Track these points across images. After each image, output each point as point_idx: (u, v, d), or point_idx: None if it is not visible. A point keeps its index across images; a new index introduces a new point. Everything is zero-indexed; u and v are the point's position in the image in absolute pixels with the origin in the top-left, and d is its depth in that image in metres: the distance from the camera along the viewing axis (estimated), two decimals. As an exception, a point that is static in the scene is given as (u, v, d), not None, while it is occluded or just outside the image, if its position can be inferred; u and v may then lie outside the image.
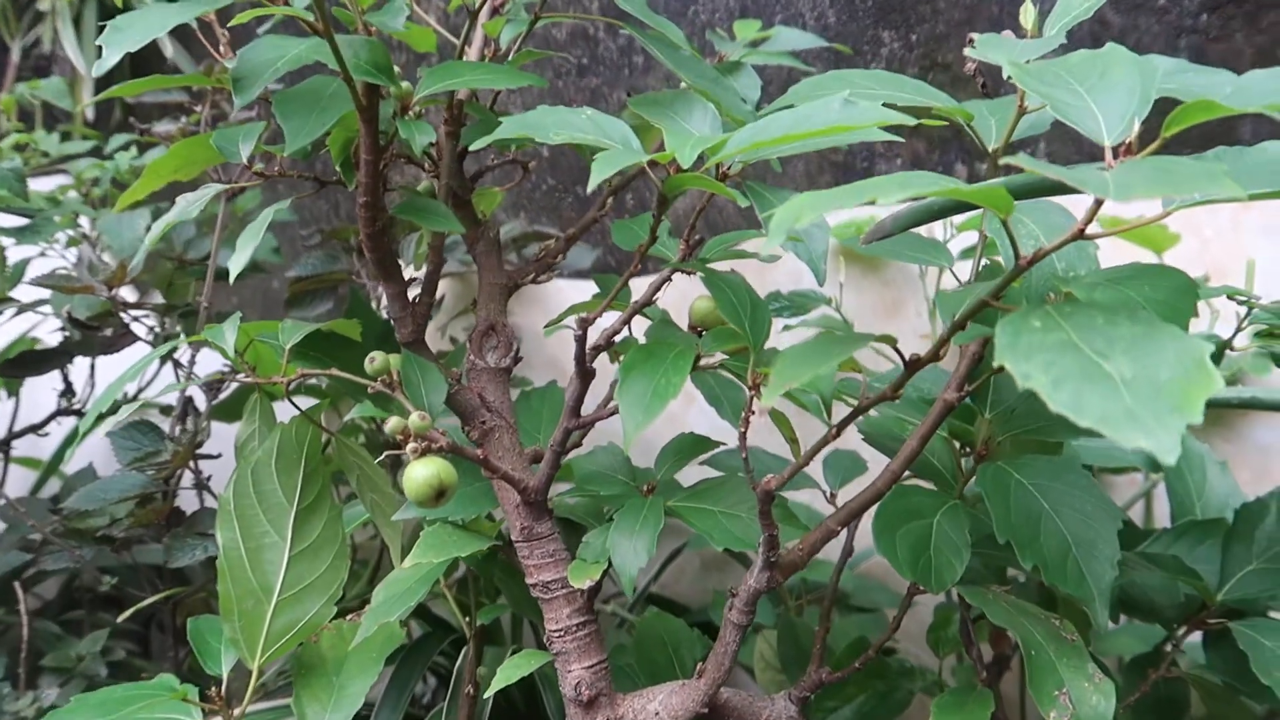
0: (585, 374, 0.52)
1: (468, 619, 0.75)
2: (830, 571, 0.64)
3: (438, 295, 1.16)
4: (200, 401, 0.98)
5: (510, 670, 0.57)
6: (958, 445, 0.59)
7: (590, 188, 0.42)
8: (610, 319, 0.57)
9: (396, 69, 0.63)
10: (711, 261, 0.60)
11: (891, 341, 0.46)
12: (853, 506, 0.53)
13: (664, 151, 0.45)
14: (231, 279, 0.51)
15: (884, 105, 0.52)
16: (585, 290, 1.05)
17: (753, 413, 0.48)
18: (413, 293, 0.59)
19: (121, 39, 0.46)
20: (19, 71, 1.46)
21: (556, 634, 0.56)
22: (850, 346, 0.39)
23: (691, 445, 0.59)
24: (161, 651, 0.89)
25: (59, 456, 1.22)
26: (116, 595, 0.88)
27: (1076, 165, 0.37)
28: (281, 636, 0.57)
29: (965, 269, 0.63)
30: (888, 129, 0.44)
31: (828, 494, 0.68)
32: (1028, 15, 0.56)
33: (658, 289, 0.56)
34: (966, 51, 0.56)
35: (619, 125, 0.48)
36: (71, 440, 1.21)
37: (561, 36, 1.17)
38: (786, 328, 1.01)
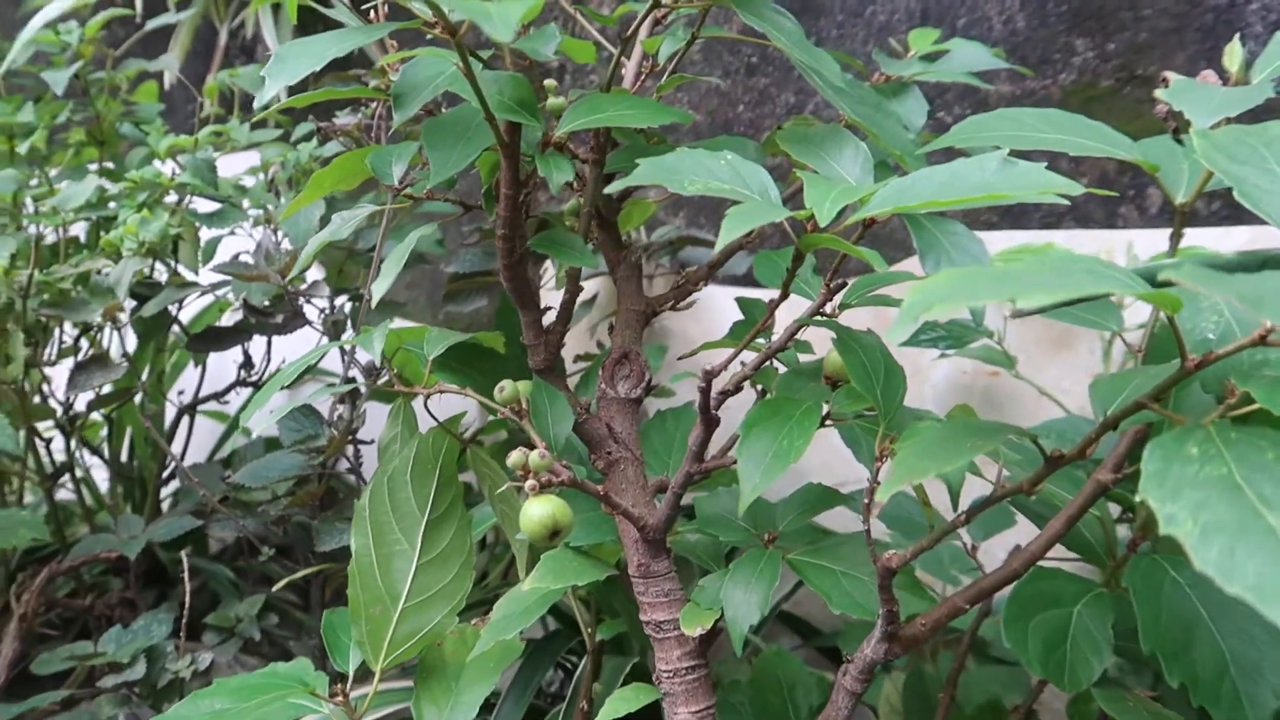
0: (710, 422, 0.51)
1: (590, 630, 0.76)
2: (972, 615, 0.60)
3: (590, 294, 1.17)
4: (360, 382, 1.03)
5: (618, 704, 0.57)
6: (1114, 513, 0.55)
7: (719, 247, 0.40)
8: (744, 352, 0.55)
9: (550, 81, 0.63)
10: (852, 306, 0.58)
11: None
12: (984, 585, 0.50)
13: (802, 209, 0.43)
14: (373, 304, 0.52)
15: (1058, 149, 0.48)
16: (739, 294, 1.03)
17: (878, 483, 0.46)
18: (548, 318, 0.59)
19: (283, 71, 0.48)
20: (226, 53, 1.56)
21: (666, 674, 0.56)
22: (986, 441, 0.36)
23: (818, 497, 0.57)
24: (314, 613, 0.95)
25: (238, 418, 1.32)
26: (274, 564, 0.95)
27: None
28: (405, 643, 0.59)
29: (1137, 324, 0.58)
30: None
31: (969, 546, 0.65)
32: (1234, 56, 0.50)
33: (792, 335, 0.54)
34: (1157, 93, 0.51)
35: (759, 174, 0.46)
36: (247, 405, 1.31)
37: (721, 20, 1.14)
38: (942, 355, 0.96)
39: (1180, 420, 0.32)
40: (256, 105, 0.47)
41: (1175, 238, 0.51)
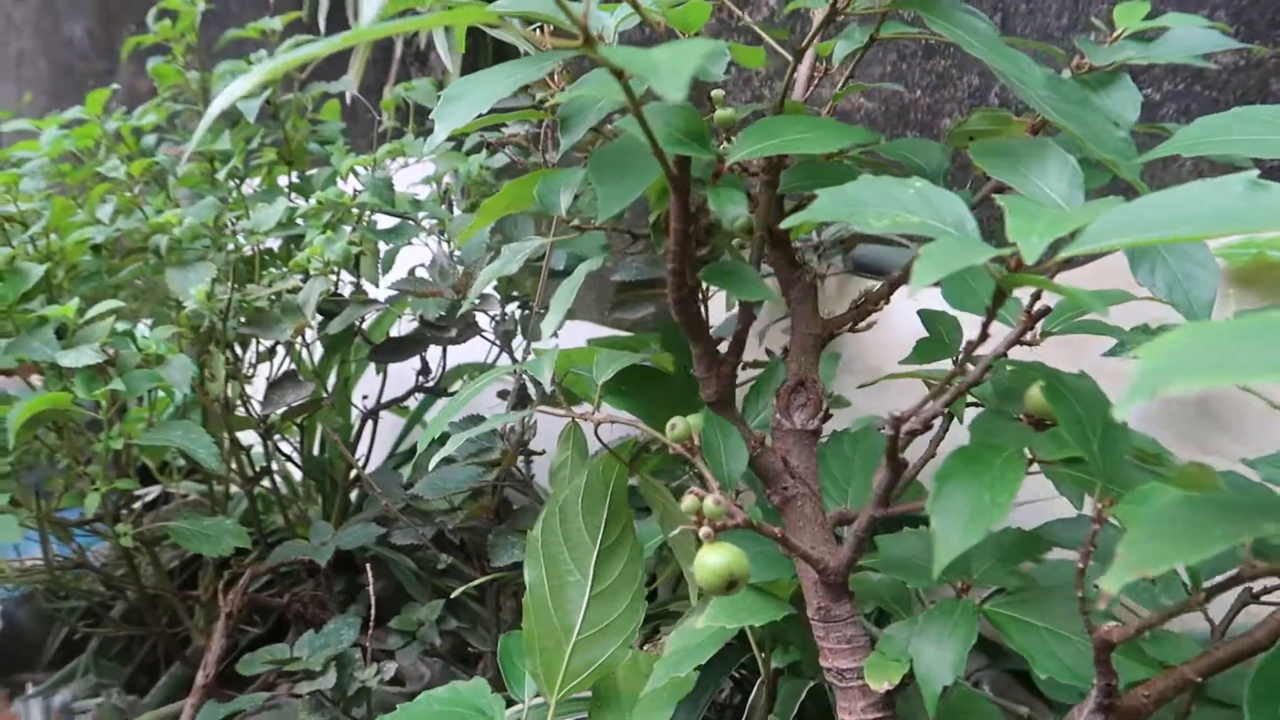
0: (898, 466, 0.47)
1: (764, 655, 0.74)
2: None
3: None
4: (531, 392, 1.04)
5: (796, 751, 0.55)
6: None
7: (912, 291, 0.36)
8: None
9: (718, 91, 0.60)
10: (1054, 334, 0.52)
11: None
12: (1221, 657, 0.44)
13: (1006, 247, 0.39)
14: (545, 338, 0.51)
15: None
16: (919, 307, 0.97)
17: (1094, 546, 0.41)
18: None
19: (453, 114, 0.48)
20: (403, 61, 1.62)
21: (848, 726, 0.53)
22: (1240, 528, 0.31)
23: (1019, 545, 0.52)
24: (488, 621, 0.98)
25: (416, 416, 1.37)
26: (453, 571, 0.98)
27: None
28: (578, 675, 0.59)
29: None
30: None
31: (1188, 587, 0.58)
32: None
33: (988, 368, 0.49)
34: None
35: (953, 205, 0.42)
36: (425, 407, 1.35)
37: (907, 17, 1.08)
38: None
39: None
40: (425, 150, 0.46)
41: None
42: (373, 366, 1.27)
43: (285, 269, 0.96)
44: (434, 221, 1.06)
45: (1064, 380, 0.42)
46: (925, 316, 0.67)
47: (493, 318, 1.06)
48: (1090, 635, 0.42)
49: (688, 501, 0.47)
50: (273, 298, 0.89)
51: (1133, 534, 0.32)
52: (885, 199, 0.42)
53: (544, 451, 0.93)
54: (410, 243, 1.12)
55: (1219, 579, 0.42)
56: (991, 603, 0.50)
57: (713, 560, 0.46)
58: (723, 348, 0.57)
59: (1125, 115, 0.60)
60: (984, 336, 0.43)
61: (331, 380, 1.23)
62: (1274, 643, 0.43)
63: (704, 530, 0.47)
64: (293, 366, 1.03)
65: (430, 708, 0.59)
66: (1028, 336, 0.49)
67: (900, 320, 1.06)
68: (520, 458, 0.89)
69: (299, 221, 1.01)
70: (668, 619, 0.90)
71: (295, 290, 0.89)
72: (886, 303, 0.62)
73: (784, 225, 0.42)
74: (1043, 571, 0.53)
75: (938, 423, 0.61)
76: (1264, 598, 0.64)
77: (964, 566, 0.53)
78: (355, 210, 0.95)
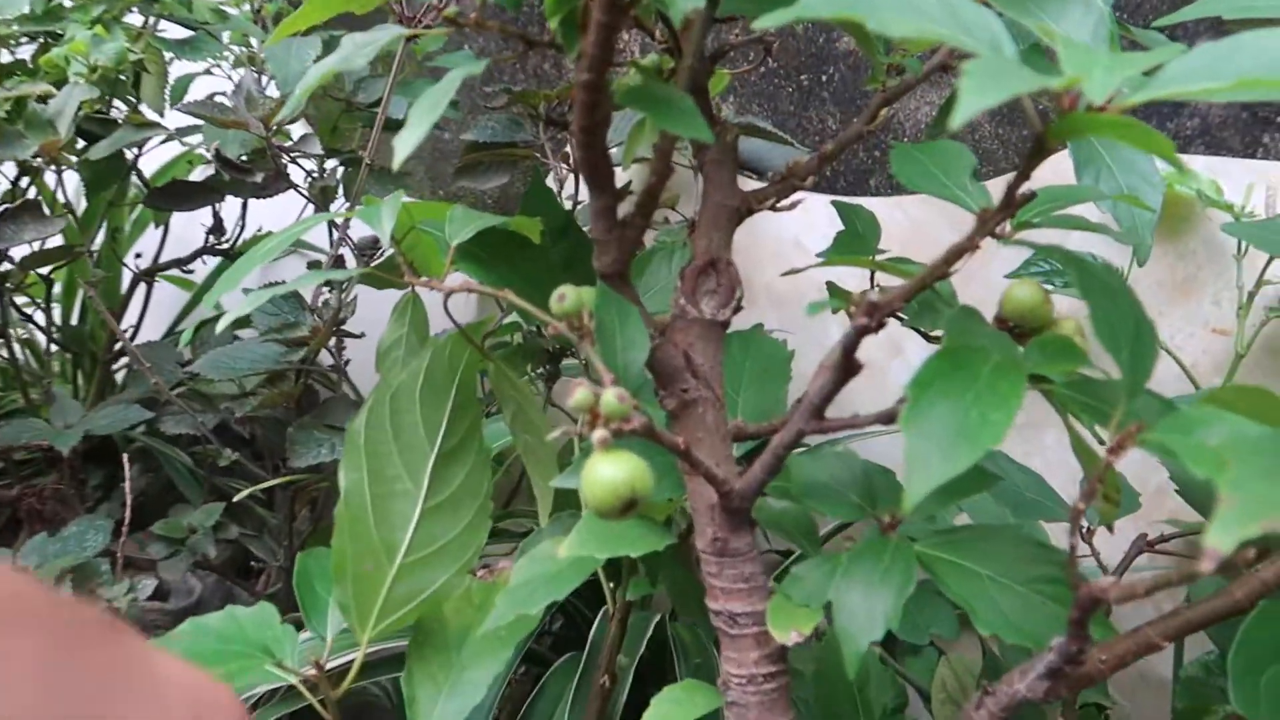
0: (850, 368, 0.37)
1: (613, 585, 0.64)
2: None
3: (624, 181, 1.02)
4: (350, 263, 0.88)
5: (668, 708, 0.45)
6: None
7: (959, 119, 0.26)
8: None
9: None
10: (1035, 226, 0.43)
11: None
12: (1191, 618, 0.37)
13: (1062, 75, 0.28)
14: (395, 165, 0.37)
15: None
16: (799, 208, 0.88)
17: (1101, 482, 0.33)
18: (623, 210, 0.44)
19: None
20: None
21: (738, 680, 0.44)
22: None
23: (964, 477, 0.44)
24: (281, 532, 0.82)
25: (204, 288, 1.16)
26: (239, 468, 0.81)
27: None
28: (400, 607, 0.46)
29: None
30: None
31: (1085, 529, 0.53)
32: None
33: (958, 257, 0.40)
34: None
35: (986, 18, 0.31)
36: (217, 274, 1.14)
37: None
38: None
39: None
40: None
41: None
42: (153, 224, 1.06)
43: (36, 75, 0.75)
44: (242, 50, 0.87)
45: (1091, 270, 0.33)
46: (841, 208, 0.58)
47: (308, 174, 0.88)
48: (1073, 591, 0.34)
49: (579, 395, 0.35)
50: (12, 105, 0.68)
51: (1239, 470, 0.23)
52: (904, 5, 0.31)
53: (363, 334, 0.78)
54: (210, 71, 0.91)
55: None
56: (923, 541, 0.42)
57: (608, 473, 0.34)
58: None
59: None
60: (1014, 198, 0.33)
61: (100, 235, 1.00)
62: (1254, 605, 0.37)
63: (598, 434, 0.35)
64: (38, 197, 0.81)
65: (199, 642, 0.45)
66: (998, 231, 0.40)
67: (767, 227, 0.97)
68: (333, 339, 0.74)
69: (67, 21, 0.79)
70: (495, 539, 0.78)
71: (46, 98, 0.69)
72: (815, 179, 0.52)
73: (760, 24, 0.30)
74: (976, 507, 0.45)
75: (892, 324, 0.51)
76: (1159, 547, 0.61)
77: (892, 495, 0.44)
78: (138, 10, 0.75)
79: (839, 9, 0.30)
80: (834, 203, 0.58)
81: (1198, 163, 0.78)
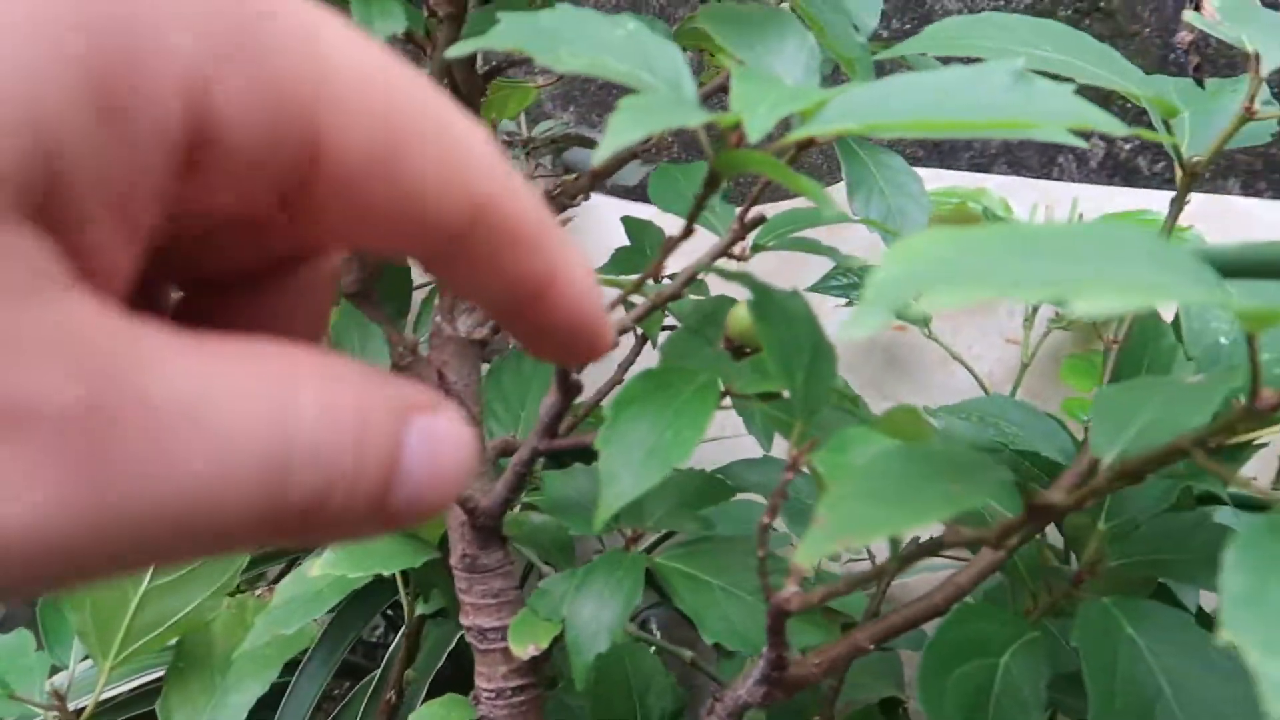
0: (569, 389, 0.38)
1: (410, 598, 0.64)
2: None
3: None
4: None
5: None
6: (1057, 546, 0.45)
7: (603, 152, 0.27)
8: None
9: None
10: (768, 248, 0.45)
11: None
12: (895, 622, 0.39)
13: (727, 113, 0.30)
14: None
15: (1063, 72, 0.37)
16: (628, 211, 0.90)
17: (785, 496, 0.34)
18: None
19: None
20: None
21: (487, 694, 0.44)
22: (967, 490, 0.24)
23: (701, 489, 0.45)
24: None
25: None
26: None
27: None
28: (146, 633, 0.45)
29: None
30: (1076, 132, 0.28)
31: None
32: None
33: (689, 280, 0.41)
34: (1187, 16, 0.40)
35: (671, 55, 0.33)
36: None
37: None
38: (849, 303, 0.85)
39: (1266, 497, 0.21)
40: None
41: (1178, 203, 0.40)
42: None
43: None
44: None
45: (774, 298, 0.34)
46: (629, 224, 0.59)
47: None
48: (767, 600, 0.35)
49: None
50: None
51: (836, 492, 0.25)
52: (587, 37, 0.32)
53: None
54: None
55: (909, 541, 0.37)
56: (663, 553, 0.43)
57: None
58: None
59: (865, 21, 0.54)
60: (686, 233, 0.34)
61: None
62: (950, 606, 0.39)
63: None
64: None
65: (-76, 676, 0.43)
66: (737, 250, 0.41)
67: (611, 230, 0.98)
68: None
69: None
70: (270, 561, 0.77)
71: None
72: (586, 198, 0.53)
73: (452, 53, 0.31)
74: (724, 514, 0.47)
75: (629, 343, 0.53)
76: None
77: (637, 511, 0.45)
78: None
79: (521, 40, 0.31)
80: (623, 218, 0.59)
81: (992, 181, 0.82)
